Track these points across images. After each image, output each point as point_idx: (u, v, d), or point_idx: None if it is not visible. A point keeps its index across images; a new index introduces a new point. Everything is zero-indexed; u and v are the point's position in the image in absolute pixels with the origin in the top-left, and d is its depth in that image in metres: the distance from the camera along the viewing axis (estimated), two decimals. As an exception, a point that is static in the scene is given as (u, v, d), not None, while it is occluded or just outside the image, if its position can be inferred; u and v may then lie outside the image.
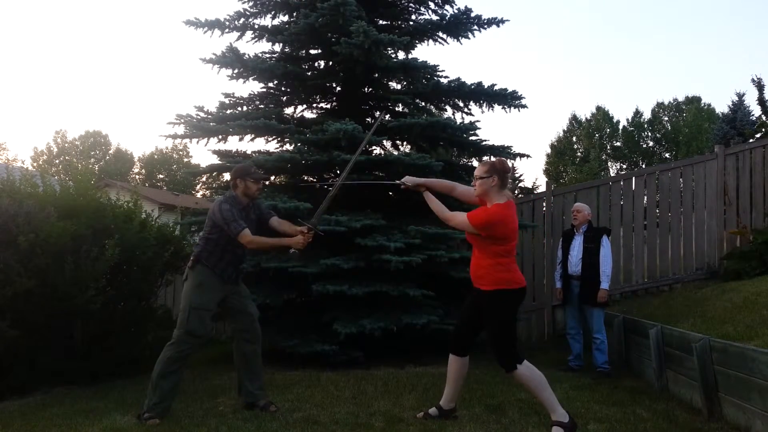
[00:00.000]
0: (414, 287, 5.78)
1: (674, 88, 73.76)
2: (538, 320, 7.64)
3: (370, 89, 7.33)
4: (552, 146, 43.40)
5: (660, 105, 43.67)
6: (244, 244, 3.95)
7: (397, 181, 4.09)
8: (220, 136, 7.04)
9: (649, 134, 43.43)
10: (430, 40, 7.67)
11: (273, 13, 7.50)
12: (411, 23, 7.72)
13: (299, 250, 4.08)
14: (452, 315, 5.81)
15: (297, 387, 4.84)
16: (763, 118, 15.88)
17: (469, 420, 3.81)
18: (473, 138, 6.96)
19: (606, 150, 43.40)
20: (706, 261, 7.32)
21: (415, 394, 4.56)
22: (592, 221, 6.05)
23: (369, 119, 7.41)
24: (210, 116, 7.01)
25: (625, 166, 42.37)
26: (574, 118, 44.25)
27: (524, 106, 7.24)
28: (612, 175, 35.97)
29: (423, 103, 7.68)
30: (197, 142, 7.09)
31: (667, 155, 41.18)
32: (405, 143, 7.54)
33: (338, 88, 7.39)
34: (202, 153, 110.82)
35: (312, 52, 7.45)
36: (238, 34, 7.43)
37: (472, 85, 7.02)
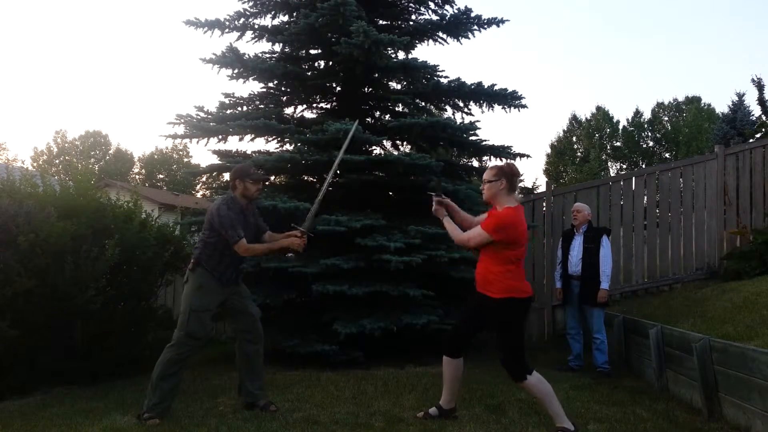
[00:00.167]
0: (414, 287, 5.78)
1: (674, 88, 73.83)
2: (538, 320, 7.63)
3: (370, 89, 7.33)
4: (552, 146, 43.39)
5: (660, 105, 43.66)
6: (240, 252, 3.95)
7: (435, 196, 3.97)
8: (220, 136, 7.04)
9: (649, 134, 43.41)
10: (430, 40, 7.67)
11: (273, 13, 7.50)
12: (411, 23, 7.72)
13: (297, 252, 4.13)
14: (452, 315, 5.81)
15: (297, 387, 4.84)
16: (763, 118, 15.88)
17: (469, 420, 3.81)
18: (473, 138, 6.97)
19: (606, 150, 43.38)
20: (706, 261, 7.32)
21: (415, 394, 4.56)
22: (592, 221, 6.05)
23: (369, 119, 7.41)
24: (210, 116, 7.02)
25: (625, 166, 42.36)
26: (574, 118, 44.25)
27: (524, 106, 7.25)
28: (612, 175, 35.97)
29: (423, 103, 7.68)
30: (197, 142, 7.10)
31: (667, 155, 41.17)
32: (405, 143, 7.54)
33: (338, 88, 7.39)
34: (202, 153, 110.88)
35: (312, 52, 7.45)
36: (238, 34, 7.44)
37: (472, 85, 7.02)
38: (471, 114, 8.86)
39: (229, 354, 6.31)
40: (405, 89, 7.32)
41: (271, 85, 7.31)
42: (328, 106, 7.65)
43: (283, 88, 7.40)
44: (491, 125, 69.21)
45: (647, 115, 43.58)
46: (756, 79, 15.61)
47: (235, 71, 6.88)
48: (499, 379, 5.01)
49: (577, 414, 3.89)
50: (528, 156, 7.47)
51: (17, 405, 4.65)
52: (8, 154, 34.92)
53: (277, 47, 7.42)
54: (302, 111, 7.67)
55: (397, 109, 7.51)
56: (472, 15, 7.09)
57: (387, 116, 7.50)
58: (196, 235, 7.64)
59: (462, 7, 7.11)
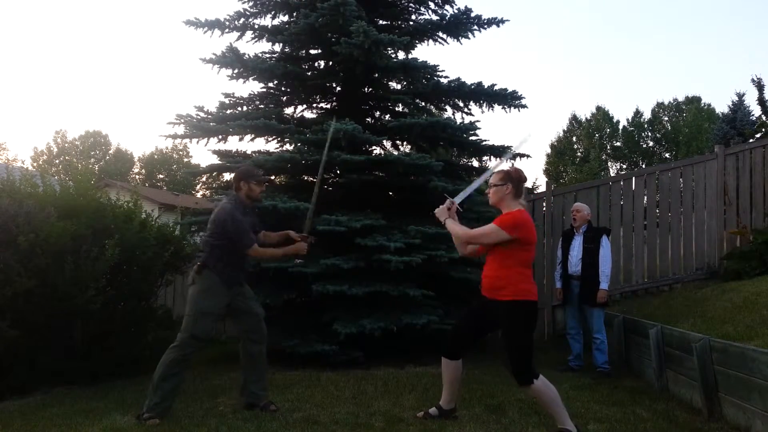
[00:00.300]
0: (414, 287, 5.78)
1: (674, 88, 73.82)
2: (538, 320, 7.62)
3: (370, 89, 7.33)
4: (552, 146, 43.37)
5: (660, 105, 43.64)
6: (252, 256, 4.01)
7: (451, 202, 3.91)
8: (220, 136, 7.04)
9: (649, 134, 43.39)
10: (430, 40, 7.67)
11: (273, 13, 7.50)
12: (411, 23, 7.72)
13: (303, 257, 4.25)
14: (452, 315, 5.82)
15: (297, 387, 4.84)
16: (763, 118, 15.88)
17: (469, 420, 3.81)
18: (473, 138, 6.97)
19: (606, 150, 43.36)
20: (706, 261, 7.32)
21: (415, 394, 4.56)
22: (591, 221, 6.05)
23: (369, 119, 7.41)
24: (210, 116, 7.02)
25: (625, 166, 42.34)
26: (574, 118, 44.23)
27: (524, 106, 7.25)
28: (612, 175, 35.96)
29: (423, 103, 7.68)
30: (197, 142, 7.10)
31: (667, 155, 41.15)
32: (405, 143, 7.54)
33: (338, 88, 7.40)
34: (202, 153, 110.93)
35: (312, 52, 7.45)
36: (238, 34, 7.44)
37: (472, 85, 7.02)
38: (471, 114, 8.85)
39: (229, 354, 6.33)
40: (405, 89, 7.32)
41: (271, 85, 7.31)
42: (328, 106, 7.65)
43: (283, 88, 7.40)
44: (491, 125, 69.27)
45: (647, 115, 43.60)
46: (756, 79, 15.62)
47: (235, 71, 6.88)
48: (499, 379, 5.01)
49: (577, 414, 3.89)
50: (528, 156, 7.49)
51: (17, 405, 4.64)
52: (8, 154, 34.95)
53: (277, 47, 7.42)
54: (302, 111, 7.69)
55: (397, 109, 7.52)
56: (472, 15, 7.10)
57: (387, 116, 7.50)
58: (196, 235, 7.63)
59: (462, 7, 7.13)
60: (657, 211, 7.71)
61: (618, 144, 43.44)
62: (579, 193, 7.72)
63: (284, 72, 6.70)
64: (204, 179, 36.85)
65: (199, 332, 3.92)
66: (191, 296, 3.99)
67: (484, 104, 7.35)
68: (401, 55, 7.27)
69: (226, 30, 7.34)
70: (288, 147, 7.07)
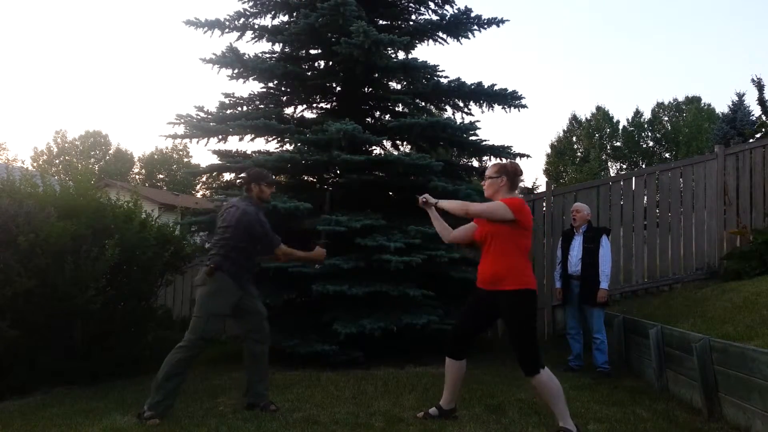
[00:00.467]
0: (414, 287, 5.78)
1: (674, 88, 73.77)
2: (538, 320, 7.63)
3: (370, 89, 7.33)
4: (552, 146, 43.37)
5: (660, 105, 43.64)
6: (278, 254, 4.14)
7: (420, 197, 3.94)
8: (220, 136, 7.04)
9: (649, 134, 43.40)
10: (430, 40, 7.68)
11: (273, 13, 7.50)
12: (411, 23, 7.72)
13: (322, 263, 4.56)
14: (452, 315, 5.81)
15: (297, 387, 4.84)
16: (763, 118, 15.87)
17: (469, 420, 3.81)
18: (473, 138, 6.97)
19: (606, 150, 43.36)
20: (706, 261, 7.31)
21: (415, 394, 4.56)
22: (591, 221, 6.05)
23: (369, 119, 7.41)
24: (210, 116, 7.02)
25: (625, 166, 42.34)
26: (574, 118, 44.24)
27: (524, 106, 7.25)
28: (612, 175, 35.96)
29: (423, 103, 7.68)
30: (197, 142, 7.11)
31: (667, 155, 41.15)
32: (405, 143, 7.54)
33: (338, 88, 7.40)
34: (202, 153, 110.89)
35: (312, 52, 7.45)
36: (238, 34, 7.44)
37: (472, 85, 7.02)
38: (471, 114, 8.87)
39: (229, 354, 6.33)
40: (405, 89, 7.33)
41: (271, 85, 7.31)
42: (328, 106, 7.65)
43: (283, 88, 7.40)
44: (491, 125, 69.26)
45: (647, 115, 43.60)
46: (756, 79, 15.61)
47: (235, 71, 6.89)
48: (499, 379, 5.02)
49: (577, 414, 3.89)
50: (528, 156, 7.48)
51: (17, 405, 4.65)
52: (8, 154, 34.95)
53: (277, 47, 7.43)
54: (302, 111, 7.69)
55: (397, 109, 7.52)
56: (472, 15, 7.10)
57: (387, 116, 7.50)
58: (196, 235, 7.63)
59: (462, 7, 7.13)
60: (657, 211, 7.71)
61: (618, 144, 43.44)
62: (579, 193, 7.72)
63: (284, 72, 6.70)
64: (204, 179, 36.86)
65: (208, 334, 3.94)
66: (201, 297, 3.98)
67: (484, 104, 7.36)
68: (401, 55, 7.27)
69: (226, 30, 7.34)
70: (288, 147, 7.08)
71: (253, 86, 31.20)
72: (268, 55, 7.34)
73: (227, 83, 20.48)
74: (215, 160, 7.32)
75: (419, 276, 5.94)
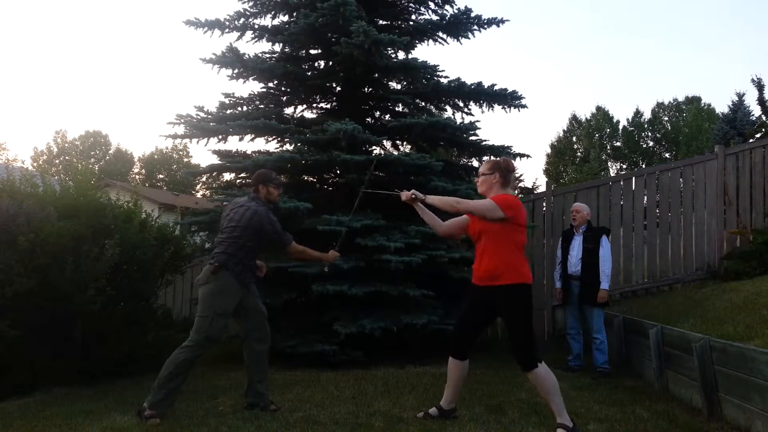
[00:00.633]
0: (414, 287, 5.78)
1: (674, 88, 73.75)
2: (538, 320, 7.63)
3: (370, 89, 7.33)
4: (552, 146, 43.38)
5: (660, 105, 43.65)
6: (290, 252, 4.21)
7: (397, 191, 3.97)
8: (220, 136, 7.04)
9: (649, 134, 43.40)
10: (430, 40, 7.67)
11: (273, 13, 7.50)
12: (411, 23, 7.72)
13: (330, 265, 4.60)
14: (452, 315, 5.81)
15: (297, 387, 4.84)
16: (763, 118, 15.88)
17: (470, 420, 3.81)
18: (473, 138, 6.97)
19: (606, 150, 43.36)
20: (706, 261, 7.31)
21: (415, 394, 4.56)
22: (591, 221, 6.05)
23: (369, 119, 7.41)
24: (210, 116, 7.02)
25: (625, 166, 42.34)
26: (574, 118, 44.23)
27: (524, 106, 7.25)
28: (612, 175, 35.94)
29: (423, 103, 7.68)
30: (197, 142, 7.11)
31: (667, 155, 41.15)
32: (405, 143, 7.54)
33: (338, 88, 7.39)
34: (202, 153, 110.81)
35: (312, 52, 7.45)
36: (238, 34, 7.44)
37: (472, 85, 7.02)
38: (471, 114, 8.87)
39: (229, 354, 6.33)
40: (405, 89, 7.32)
41: (271, 85, 7.31)
42: (328, 106, 7.65)
43: (283, 88, 7.40)
44: (491, 125, 69.24)
45: (647, 115, 43.61)
46: (756, 79, 15.61)
47: (235, 71, 6.89)
48: (499, 379, 5.02)
49: (577, 414, 3.89)
50: (528, 156, 7.48)
51: (17, 405, 4.64)
52: (8, 154, 34.98)
53: (277, 47, 7.42)
54: (302, 111, 7.68)
55: (397, 109, 7.52)
56: (472, 15, 7.10)
57: (387, 116, 7.50)
58: (196, 235, 7.63)
59: (462, 7, 7.13)
60: (657, 211, 7.71)
61: (618, 144, 43.44)
62: (579, 193, 7.72)
63: (284, 72, 6.70)
64: (204, 179, 36.83)
65: (214, 333, 3.93)
66: (205, 296, 3.97)
67: (484, 104, 7.36)
68: (401, 55, 7.27)
69: (226, 30, 7.34)
70: (288, 147, 7.07)
71: (253, 86, 31.20)
72: (268, 55, 7.34)
73: (227, 83, 20.50)
74: (215, 160, 7.33)
75: (419, 276, 5.94)
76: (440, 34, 7.55)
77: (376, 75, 7.03)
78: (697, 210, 7.65)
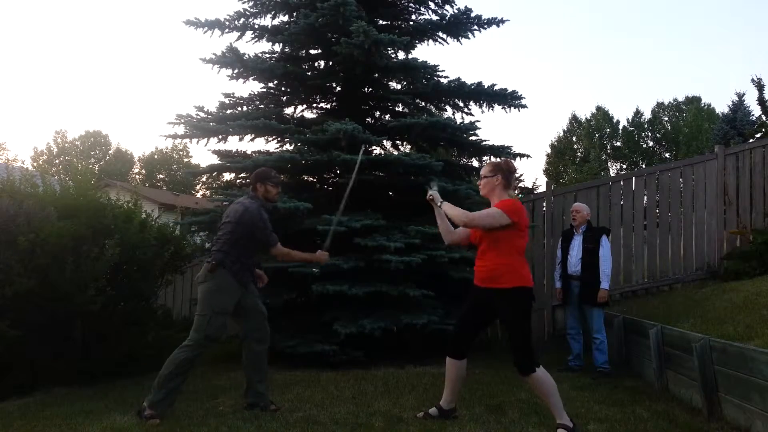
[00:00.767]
0: (414, 287, 5.78)
1: (674, 88, 73.74)
2: (538, 320, 7.63)
3: (370, 89, 7.33)
4: (552, 146, 43.38)
5: (660, 105, 43.64)
6: (275, 254, 4.12)
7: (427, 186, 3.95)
8: (220, 136, 7.05)
9: (649, 134, 43.40)
10: (430, 40, 7.68)
11: (273, 13, 7.50)
12: (411, 23, 7.72)
13: (320, 267, 4.47)
14: (452, 315, 5.81)
15: (297, 387, 4.84)
16: (763, 118, 15.88)
17: (470, 420, 3.81)
18: (473, 138, 6.97)
19: (606, 150, 43.36)
20: (706, 261, 7.31)
21: (415, 394, 4.56)
22: (591, 221, 6.04)
23: (369, 119, 7.41)
24: (210, 116, 7.02)
25: (625, 166, 42.33)
26: (574, 118, 44.23)
27: (524, 106, 7.25)
28: (612, 175, 35.93)
29: (423, 103, 7.68)
30: (197, 142, 7.11)
31: (667, 155, 41.14)
32: (405, 143, 7.54)
33: (338, 88, 7.40)
34: (202, 153, 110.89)
35: (312, 52, 7.46)
36: (238, 34, 7.44)
37: (472, 85, 7.02)
38: (471, 114, 8.86)
39: (229, 354, 6.32)
40: (405, 89, 7.33)
41: (271, 85, 7.31)
42: (328, 106, 7.65)
43: (283, 88, 7.40)
44: (491, 125, 69.25)
45: (647, 115, 43.60)
46: (756, 79, 15.61)
47: (235, 71, 6.89)
48: (499, 379, 5.02)
49: (577, 414, 3.89)
50: (528, 156, 7.49)
51: (17, 405, 4.65)
52: (8, 154, 34.98)
53: (277, 47, 7.43)
54: (302, 111, 7.69)
55: (397, 109, 7.52)
56: (472, 15, 7.10)
57: (387, 116, 7.50)
58: (196, 235, 7.63)
59: (462, 7, 7.13)
60: (657, 211, 7.71)
61: (618, 144, 43.44)
62: (579, 193, 7.72)
63: (284, 72, 6.70)
64: (204, 179, 36.84)
65: (213, 332, 3.92)
66: (203, 295, 3.98)
67: (484, 104, 7.36)
68: (401, 55, 7.28)
69: (226, 30, 7.34)
70: (288, 147, 7.08)
71: (253, 86, 31.18)
72: (268, 55, 7.34)
73: (227, 83, 20.50)
74: (215, 160, 7.33)
75: (419, 276, 5.94)
76: (440, 34, 7.55)
77: (376, 75, 7.03)
78: (697, 210, 7.65)
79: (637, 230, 7.70)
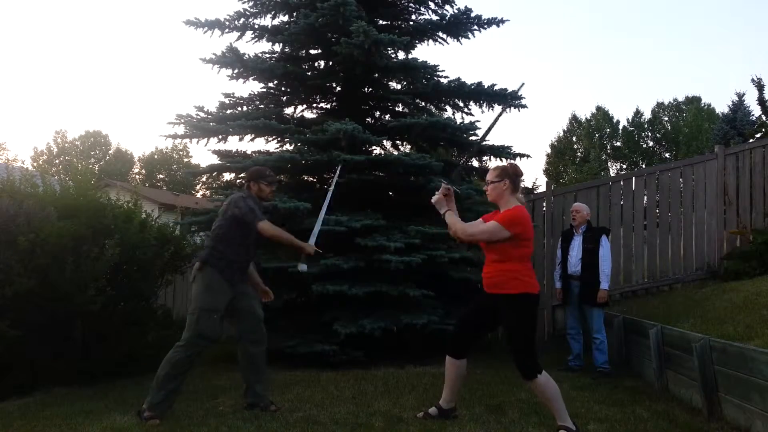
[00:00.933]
0: (414, 287, 5.78)
1: (674, 88, 73.78)
2: (539, 320, 7.63)
3: (370, 89, 7.33)
4: (552, 146, 43.36)
5: (660, 105, 43.62)
6: (263, 232, 3.98)
7: (442, 182, 3.92)
8: (220, 136, 7.04)
9: (649, 134, 43.39)
10: (430, 40, 7.67)
11: (273, 13, 7.50)
12: (411, 23, 7.72)
13: (308, 257, 4.29)
14: (452, 315, 5.81)
15: (297, 387, 4.84)
16: (763, 118, 15.88)
17: (470, 420, 3.81)
18: (473, 138, 6.97)
19: (606, 150, 43.35)
20: (706, 261, 7.31)
21: (415, 394, 4.56)
22: (591, 221, 6.04)
23: (369, 119, 7.41)
24: (210, 116, 7.02)
25: (625, 166, 42.31)
26: (574, 118, 44.21)
27: (524, 106, 7.25)
28: (612, 175, 35.92)
29: (423, 103, 7.68)
30: (197, 142, 7.11)
31: (667, 155, 41.12)
32: (405, 143, 7.54)
33: (338, 88, 7.40)
34: (202, 153, 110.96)
35: (312, 52, 7.46)
36: (238, 34, 7.44)
37: (472, 85, 7.02)
38: (471, 114, 8.88)
39: (229, 354, 6.31)
40: (405, 89, 7.32)
41: (271, 85, 7.31)
42: (328, 106, 7.65)
43: (283, 88, 7.40)
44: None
45: (647, 115, 43.59)
46: (756, 79, 15.61)
47: (235, 71, 6.89)
48: (499, 379, 5.02)
49: (577, 414, 3.89)
50: (528, 156, 7.47)
51: (17, 405, 4.64)
52: (8, 154, 34.98)
53: (277, 47, 7.42)
54: (302, 111, 7.69)
55: (397, 109, 7.52)
56: (472, 15, 7.10)
57: (387, 116, 7.50)
58: (196, 235, 7.62)
59: (462, 7, 7.13)
60: (657, 211, 7.71)
61: (618, 144, 43.42)
62: (579, 193, 7.72)
63: (284, 72, 6.70)
64: (204, 179, 36.85)
65: (204, 330, 3.88)
66: (193, 294, 3.99)
67: (484, 104, 7.36)
68: (401, 55, 7.27)
69: (226, 30, 7.34)
70: (288, 147, 7.07)
71: (253, 86, 31.14)
72: (268, 55, 7.34)
73: (227, 83, 20.48)
74: (215, 160, 7.33)
75: (419, 276, 5.93)
76: (440, 34, 7.55)
77: (376, 75, 7.03)
78: (697, 210, 7.66)
79: (637, 230, 7.70)
